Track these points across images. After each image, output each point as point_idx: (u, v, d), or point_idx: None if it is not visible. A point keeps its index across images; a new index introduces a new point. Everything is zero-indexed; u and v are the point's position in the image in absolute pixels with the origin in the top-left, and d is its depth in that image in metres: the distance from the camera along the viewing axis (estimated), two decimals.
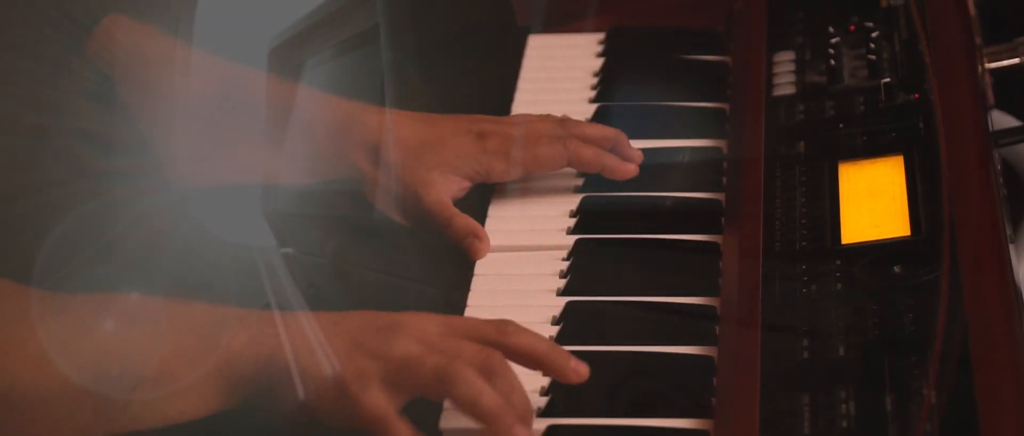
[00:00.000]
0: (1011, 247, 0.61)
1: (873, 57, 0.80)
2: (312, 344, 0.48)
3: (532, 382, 0.53)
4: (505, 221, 0.74)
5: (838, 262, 0.60)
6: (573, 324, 0.60)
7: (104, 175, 0.61)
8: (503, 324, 0.51)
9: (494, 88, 0.88)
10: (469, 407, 0.46)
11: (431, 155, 0.69)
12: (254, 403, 0.48)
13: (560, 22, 1.00)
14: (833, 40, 0.84)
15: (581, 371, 0.49)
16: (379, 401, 0.46)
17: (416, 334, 0.49)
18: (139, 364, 0.46)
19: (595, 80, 0.91)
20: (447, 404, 0.51)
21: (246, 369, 0.47)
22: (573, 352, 0.51)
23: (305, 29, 0.83)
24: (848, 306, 0.56)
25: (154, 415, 0.47)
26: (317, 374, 0.47)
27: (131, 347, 0.47)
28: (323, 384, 0.47)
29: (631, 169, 0.74)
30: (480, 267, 0.68)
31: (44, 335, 0.46)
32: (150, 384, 0.46)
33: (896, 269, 0.58)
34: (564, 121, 0.75)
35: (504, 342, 0.49)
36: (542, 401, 0.54)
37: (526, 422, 0.48)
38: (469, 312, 0.64)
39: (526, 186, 0.76)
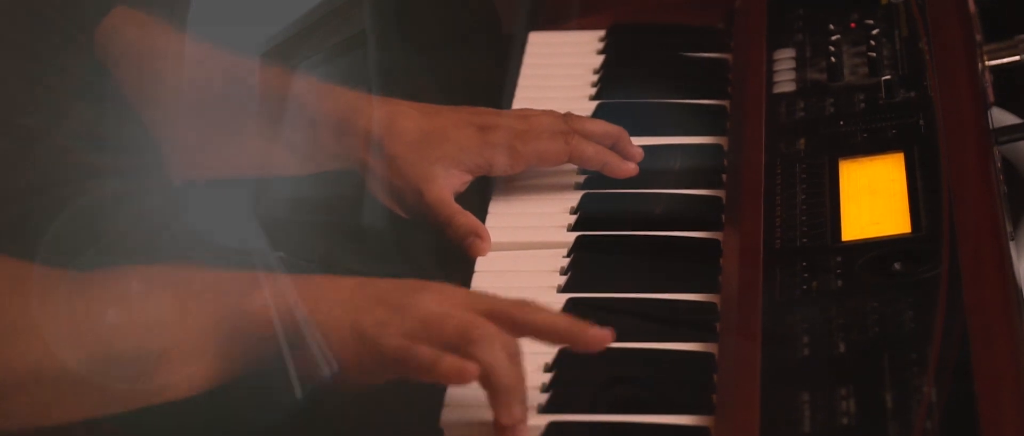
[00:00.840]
0: (1011, 244, 0.61)
1: (873, 54, 0.80)
2: (332, 302, 0.48)
3: (533, 379, 0.54)
4: (505, 218, 0.74)
5: (838, 259, 0.60)
6: None
7: (104, 174, 0.61)
8: (524, 302, 0.51)
9: (482, 94, 0.88)
10: (486, 371, 0.46)
11: (433, 148, 0.69)
12: (274, 366, 0.48)
13: (554, 21, 1.00)
14: (833, 37, 0.84)
15: (604, 336, 0.49)
16: (399, 342, 0.46)
17: (440, 297, 0.49)
18: (159, 333, 0.47)
19: (595, 77, 0.91)
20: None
21: (264, 329, 0.47)
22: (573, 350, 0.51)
23: (302, 29, 0.83)
24: (848, 303, 0.56)
25: (177, 383, 0.47)
26: (337, 328, 0.47)
27: (151, 317, 0.47)
28: (344, 337, 0.47)
29: (631, 168, 0.74)
30: (480, 264, 0.68)
31: (64, 313, 0.47)
32: (171, 352, 0.47)
33: (896, 266, 0.58)
34: (566, 117, 0.75)
35: (525, 317, 0.49)
36: (543, 398, 0.54)
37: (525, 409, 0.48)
38: None
39: (526, 183, 0.76)
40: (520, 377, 0.48)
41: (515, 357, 0.48)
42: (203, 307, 0.48)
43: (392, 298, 0.49)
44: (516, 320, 0.49)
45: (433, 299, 0.49)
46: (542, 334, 0.50)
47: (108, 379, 0.46)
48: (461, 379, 0.46)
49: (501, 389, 0.46)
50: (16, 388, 0.46)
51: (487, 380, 0.46)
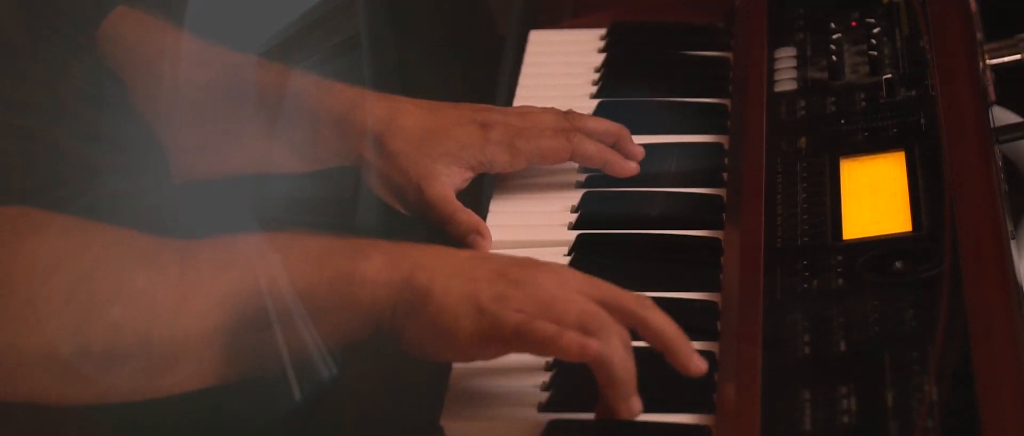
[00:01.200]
0: (1012, 243, 0.61)
1: (874, 53, 0.80)
2: (452, 269, 0.48)
3: (533, 377, 0.54)
4: (507, 216, 0.74)
5: (839, 258, 0.60)
6: None
7: (106, 174, 0.61)
8: (642, 298, 0.51)
9: (480, 92, 0.88)
10: (606, 361, 0.46)
11: (434, 145, 0.69)
12: (390, 331, 0.47)
13: (553, 22, 1.00)
14: (834, 36, 0.84)
15: (702, 367, 0.49)
16: (520, 316, 0.46)
17: (559, 278, 0.49)
18: (283, 295, 0.46)
19: (596, 75, 0.91)
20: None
21: (381, 292, 0.47)
22: None
23: (302, 27, 0.83)
24: (849, 302, 0.56)
25: (319, 333, 0.47)
26: (456, 299, 0.46)
27: (271, 281, 0.46)
28: (462, 309, 0.46)
29: (633, 166, 0.74)
30: None
31: (174, 279, 0.46)
32: (297, 313, 0.46)
33: (897, 265, 0.59)
34: (568, 114, 0.75)
35: (643, 314, 0.49)
36: (543, 396, 0.54)
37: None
38: None
39: (527, 181, 0.76)
40: (634, 370, 0.47)
41: (629, 348, 0.48)
42: (316, 270, 0.47)
43: (511, 273, 0.48)
44: (634, 314, 0.49)
45: (552, 279, 0.49)
46: (653, 334, 0.49)
47: (207, 349, 0.45)
48: (583, 355, 0.45)
49: (619, 381, 0.46)
50: (120, 358, 0.45)
51: (605, 370, 0.46)
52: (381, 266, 0.47)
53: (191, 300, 0.45)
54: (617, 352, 0.46)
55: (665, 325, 0.49)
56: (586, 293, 0.49)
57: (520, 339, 0.46)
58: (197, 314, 0.45)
